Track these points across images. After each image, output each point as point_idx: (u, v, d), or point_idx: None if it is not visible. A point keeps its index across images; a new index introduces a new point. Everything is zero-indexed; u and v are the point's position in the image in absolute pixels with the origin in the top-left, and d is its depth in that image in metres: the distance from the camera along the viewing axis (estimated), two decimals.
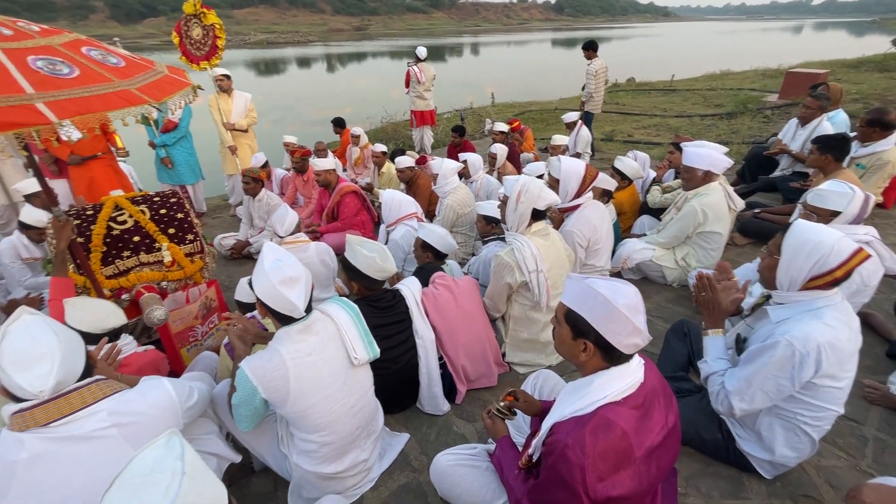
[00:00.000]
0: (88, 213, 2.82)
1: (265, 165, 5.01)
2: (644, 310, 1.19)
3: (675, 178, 4.02)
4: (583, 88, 6.73)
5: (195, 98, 2.01)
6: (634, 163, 3.88)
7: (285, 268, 1.45)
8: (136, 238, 2.76)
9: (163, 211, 2.92)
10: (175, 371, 2.61)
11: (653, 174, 4.33)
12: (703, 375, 1.80)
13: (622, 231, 3.82)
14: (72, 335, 1.27)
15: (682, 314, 3.01)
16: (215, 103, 5.16)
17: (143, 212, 2.86)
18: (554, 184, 2.97)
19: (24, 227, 3.49)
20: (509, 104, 13.55)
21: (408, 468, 2.01)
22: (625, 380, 1.20)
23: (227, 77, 5.24)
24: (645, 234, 3.61)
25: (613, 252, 3.34)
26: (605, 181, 3.34)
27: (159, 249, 2.78)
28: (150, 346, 2.48)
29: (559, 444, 1.17)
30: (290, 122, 14.58)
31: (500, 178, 4.73)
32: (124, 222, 2.80)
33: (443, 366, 2.31)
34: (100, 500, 0.73)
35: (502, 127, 5.84)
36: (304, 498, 1.77)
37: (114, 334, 2.00)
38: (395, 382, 2.14)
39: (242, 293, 2.37)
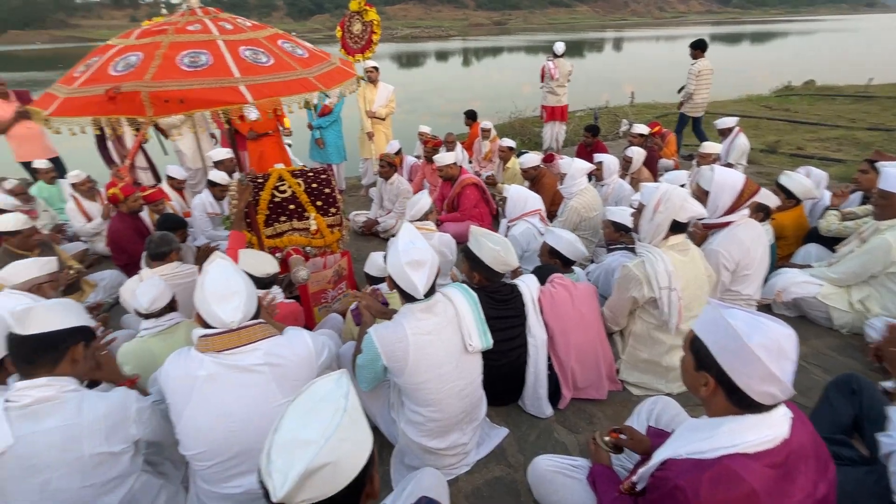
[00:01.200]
0: (259, 180, 3.32)
1: (398, 152, 5.37)
2: (794, 357, 1.01)
3: (862, 203, 3.32)
4: (679, 91, 6.44)
5: (357, 87, 2.22)
6: (806, 180, 3.30)
7: (415, 251, 1.56)
8: (292, 206, 3.18)
9: (314, 185, 3.32)
10: (307, 325, 2.98)
11: (828, 195, 3.63)
12: (884, 451, 1.47)
13: (779, 258, 3.29)
14: (249, 280, 1.53)
15: (849, 367, 2.50)
16: (362, 92, 5.66)
17: (299, 184, 3.27)
18: (701, 195, 2.66)
19: (211, 185, 4.25)
20: (650, 105, 12.48)
21: (503, 462, 2.02)
22: (763, 432, 1.04)
23: (376, 69, 5.70)
24: (810, 266, 3.06)
25: (766, 280, 2.90)
26: (766, 197, 2.90)
27: (308, 218, 3.17)
28: (293, 300, 2.86)
29: (669, 483, 1.06)
30: (424, 113, 15.33)
31: (633, 184, 4.41)
32: (284, 192, 3.24)
33: (550, 367, 2.26)
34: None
35: (642, 129, 5.41)
36: (405, 464, 1.89)
37: (269, 282, 2.35)
38: (501, 376, 2.15)
39: (373, 267, 2.59)
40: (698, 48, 6.26)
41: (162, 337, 2.07)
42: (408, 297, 1.66)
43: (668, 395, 2.23)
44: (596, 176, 4.21)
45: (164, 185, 4.64)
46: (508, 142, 5.33)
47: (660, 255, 2.18)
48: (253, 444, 1.39)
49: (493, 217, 4.67)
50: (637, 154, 4.60)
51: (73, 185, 4.37)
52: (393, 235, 4.57)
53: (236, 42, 1.89)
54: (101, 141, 5.34)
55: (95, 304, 3.43)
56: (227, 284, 1.43)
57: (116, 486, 1.37)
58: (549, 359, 2.25)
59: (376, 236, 4.66)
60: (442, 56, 44.13)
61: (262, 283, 2.20)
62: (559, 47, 6.91)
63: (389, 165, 4.46)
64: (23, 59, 49.26)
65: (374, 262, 2.51)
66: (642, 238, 2.32)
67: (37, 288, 2.62)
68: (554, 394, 2.27)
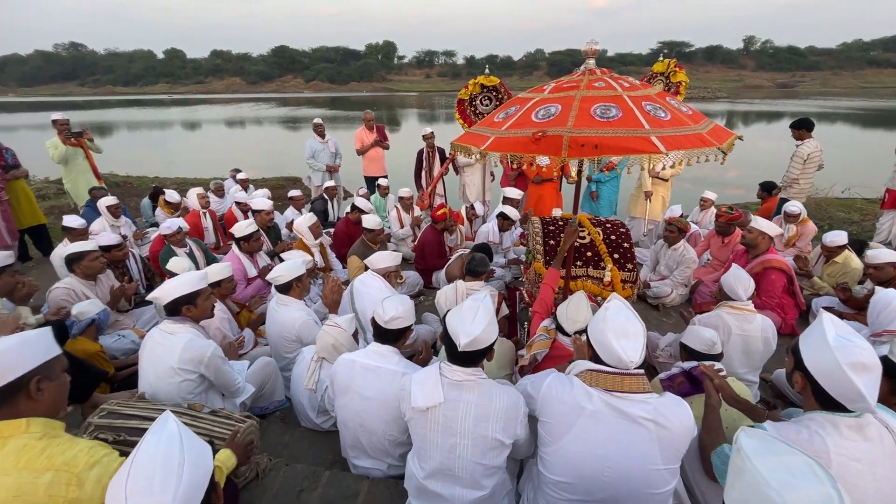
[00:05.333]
0: (560, 223, 3.55)
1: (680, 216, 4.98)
2: None
3: None
4: None
5: (729, 151, 2.12)
6: None
7: (858, 350, 1.23)
8: (589, 253, 3.27)
9: (613, 237, 3.34)
10: None
11: None
12: None
13: None
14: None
15: None
16: None
17: (598, 233, 3.35)
18: None
19: (503, 217, 4.76)
20: None
21: None
22: None
23: None
24: None
25: None
26: None
27: (604, 268, 3.19)
28: None
29: None
30: (703, 179, 13.99)
31: None
32: (584, 238, 3.37)
33: None
34: None
35: None
36: None
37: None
38: None
39: (696, 340, 2.29)
40: (802, 128, 5.28)
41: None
42: (830, 405, 1.30)
43: None
44: None
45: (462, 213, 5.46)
46: (838, 236, 4.21)
47: None
48: (622, 495, 1.38)
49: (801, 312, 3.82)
50: None
51: (400, 199, 5.58)
52: (662, 303, 4.25)
53: (639, 98, 2.06)
54: (417, 170, 6.75)
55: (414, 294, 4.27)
56: (629, 324, 1.46)
57: (496, 471, 1.56)
58: None
59: (642, 300, 4.39)
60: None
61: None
62: None
63: (679, 231, 4.17)
64: (353, 101, 67.93)
65: (699, 335, 2.28)
66: None
67: (387, 274, 3.39)
68: None
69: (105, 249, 3.48)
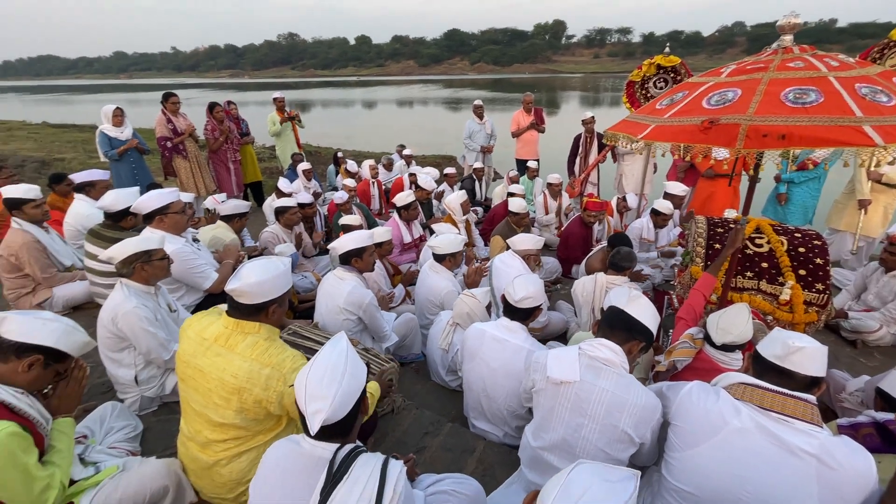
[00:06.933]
0: (729, 226, 3.11)
1: None
2: None
3: None
4: None
5: None
6: None
7: None
8: (765, 264, 2.81)
9: (801, 249, 2.80)
10: None
11: None
12: None
13: None
14: None
15: None
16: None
17: (781, 242, 2.84)
18: None
19: (655, 213, 4.37)
20: None
21: None
22: None
23: None
24: None
25: None
26: None
27: (782, 285, 2.72)
28: None
29: None
30: None
31: None
32: (760, 246, 2.90)
33: None
34: None
35: None
36: None
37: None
38: None
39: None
40: None
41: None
42: None
43: None
44: None
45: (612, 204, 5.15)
46: None
47: None
48: None
49: None
50: None
51: (548, 185, 5.51)
52: (863, 340, 3.36)
53: (851, 79, 1.68)
54: (571, 156, 6.52)
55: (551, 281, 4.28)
56: (809, 340, 1.30)
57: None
58: None
59: (833, 331, 3.60)
60: None
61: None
62: None
63: None
64: (514, 83, 67.76)
65: None
66: None
67: (527, 256, 3.45)
68: None
69: (300, 206, 4.28)
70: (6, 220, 3.39)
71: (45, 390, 1.56)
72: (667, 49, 4.82)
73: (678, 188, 4.48)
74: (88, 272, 2.99)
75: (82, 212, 3.68)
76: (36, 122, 19.63)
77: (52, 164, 10.04)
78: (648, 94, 4.95)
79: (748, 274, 2.84)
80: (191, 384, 1.62)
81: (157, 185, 4.78)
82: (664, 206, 4.37)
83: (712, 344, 2.05)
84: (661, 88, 4.90)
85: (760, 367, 1.37)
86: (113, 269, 2.22)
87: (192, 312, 2.84)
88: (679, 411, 1.42)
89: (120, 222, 3.01)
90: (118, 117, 4.97)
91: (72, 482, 1.55)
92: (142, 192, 2.94)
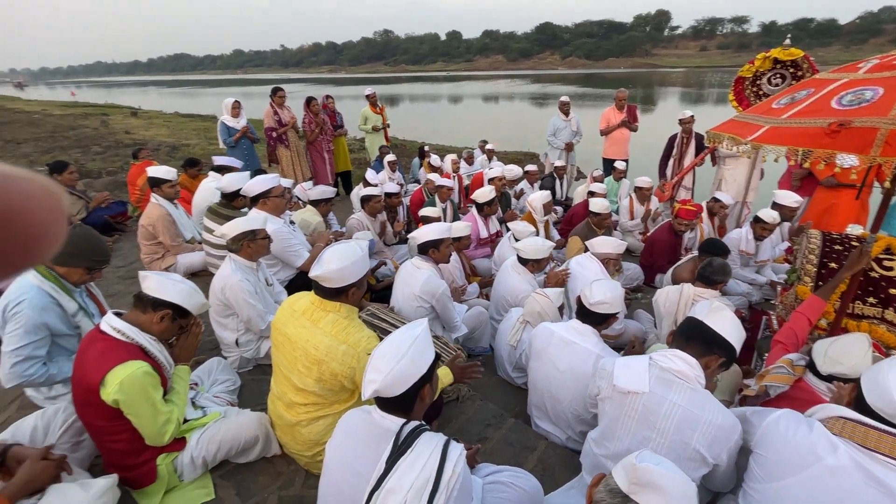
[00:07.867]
0: (851, 244, 2.73)
1: None
2: None
3: None
4: None
5: None
6: None
7: None
8: (893, 291, 2.43)
9: None
10: None
11: None
12: None
13: None
14: None
15: None
16: None
17: None
18: None
19: (756, 221, 3.95)
20: None
21: None
22: None
23: None
24: None
25: None
26: None
27: None
28: None
29: None
30: None
31: None
32: (889, 269, 2.51)
33: None
34: None
35: None
36: None
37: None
38: None
39: None
40: None
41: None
42: None
43: None
44: None
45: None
46: None
47: None
48: None
49: None
50: None
51: (637, 189, 5.20)
52: None
53: None
54: (664, 157, 6.09)
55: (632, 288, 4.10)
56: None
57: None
58: None
59: None
60: None
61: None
62: None
63: None
64: (608, 78, 64.37)
65: None
66: None
67: (606, 261, 3.32)
68: None
69: (387, 195, 4.50)
70: (147, 194, 4.04)
71: (171, 340, 1.84)
72: (787, 40, 4.30)
73: (790, 198, 4.00)
74: (205, 244, 3.44)
75: (210, 186, 4.28)
76: (169, 112, 22.67)
77: (180, 148, 11.56)
78: (761, 92, 4.47)
79: (870, 300, 2.47)
80: (281, 349, 1.82)
81: (263, 171, 5.33)
82: (769, 214, 3.93)
83: (816, 373, 1.84)
84: (776, 86, 4.40)
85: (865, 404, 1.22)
86: (224, 243, 2.54)
87: (285, 287, 3.15)
88: (764, 440, 1.30)
89: (233, 202, 3.42)
90: (236, 109, 5.62)
91: (185, 421, 1.83)
92: (251, 177, 3.31)
